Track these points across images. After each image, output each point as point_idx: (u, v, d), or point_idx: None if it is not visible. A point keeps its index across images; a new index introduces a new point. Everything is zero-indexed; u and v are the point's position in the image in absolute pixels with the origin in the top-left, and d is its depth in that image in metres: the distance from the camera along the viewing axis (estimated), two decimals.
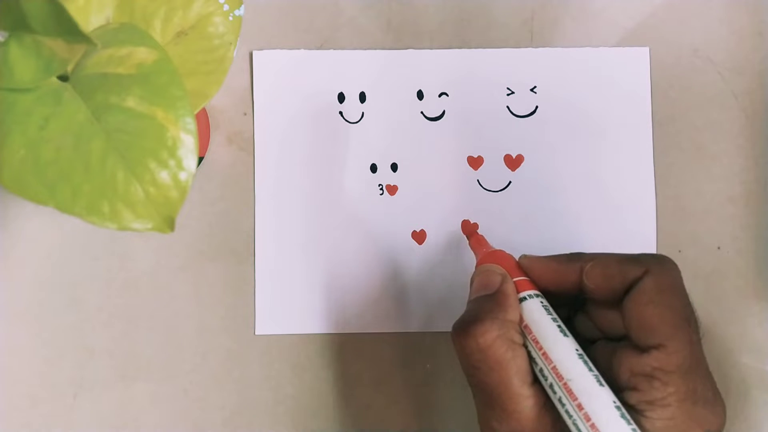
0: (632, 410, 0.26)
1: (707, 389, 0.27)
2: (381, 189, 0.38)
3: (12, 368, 0.37)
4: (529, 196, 0.38)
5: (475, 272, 0.31)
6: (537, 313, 0.29)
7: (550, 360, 0.27)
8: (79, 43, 0.22)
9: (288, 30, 0.38)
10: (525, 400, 0.27)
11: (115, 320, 0.37)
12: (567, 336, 0.28)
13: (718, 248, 0.38)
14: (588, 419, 0.26)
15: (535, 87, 0.38)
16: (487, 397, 0.28)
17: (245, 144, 0.38)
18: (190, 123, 0.23)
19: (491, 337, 0.28)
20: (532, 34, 0.38)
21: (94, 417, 0.37)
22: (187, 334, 0.37)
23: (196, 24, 0.28)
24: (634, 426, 0.26)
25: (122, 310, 0.37)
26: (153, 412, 0.37)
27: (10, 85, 0.23)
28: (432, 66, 0.38)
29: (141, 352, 0.37)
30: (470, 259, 0.35)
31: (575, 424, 0.26)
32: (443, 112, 0.38)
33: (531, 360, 0.28)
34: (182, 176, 0.23)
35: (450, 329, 0.29)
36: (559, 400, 0.27)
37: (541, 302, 0.29)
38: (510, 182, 0.38)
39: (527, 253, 0.31)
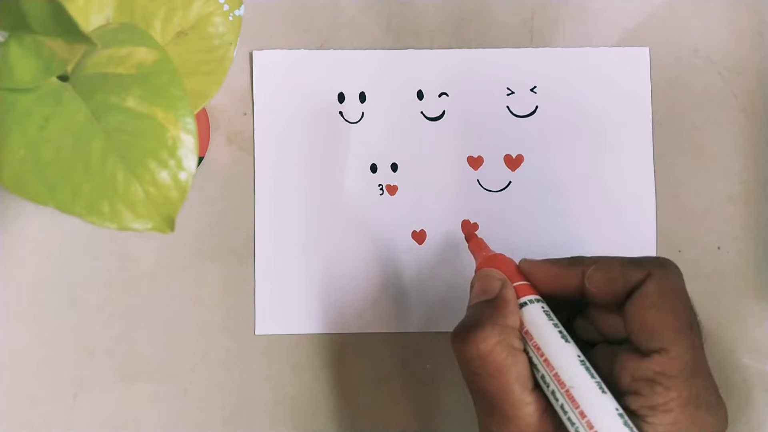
0: (634, 415, 0.26)
1: (710, 393, 0.26)
2: (381, 189, 0.38)
3: (12, 368, 0.37)
4: (529, 196, 0.38)
5: (474, 277, 0.31)
6: (538, 319, 0.28)
7: (552, 367, 0.27)
8: (79, 43, 0.22)
9: (288, 30, 0.38)
10: (526, 407, 0.27)
11: (115, 320, 0.37)
12: (568, 342, 0.28)
13: (718, 248, 0.38)
14: (591, 427, 0.25)
15: (535, 87, 0.38)
16: (488, 404, 0.27)
17: (245, 144, 0.38)
18: (190, 123, 0.23)
19: (491, 343, 0.27)
20: (532, 34, 0.38)
21: (94, 417, 0.37)
22: (187, 334, 0.37)
23: (196, 24, 0.28)
24: None
25: (122, 310, 0.37)
26: (153, 412, 0.37)
27: (10, 85, 0.23)
28: (432, 66, 0.38)
29: (141, 352, 0.37)
30: (470, 259, 0.35)
31: None
32: (443, 112, 0.38)
33: (532, 366, 0.28)
34: (182, 176, 0.23)
35: (450, 329, 0.29)
36: (562, 407, 0.26)
37: (542, 307, 0.29)
38: (510, 182, 0.38)
39: (528, 254, 0.31)
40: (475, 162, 0.38)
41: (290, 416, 0.37)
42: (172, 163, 0.23)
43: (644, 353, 0.27)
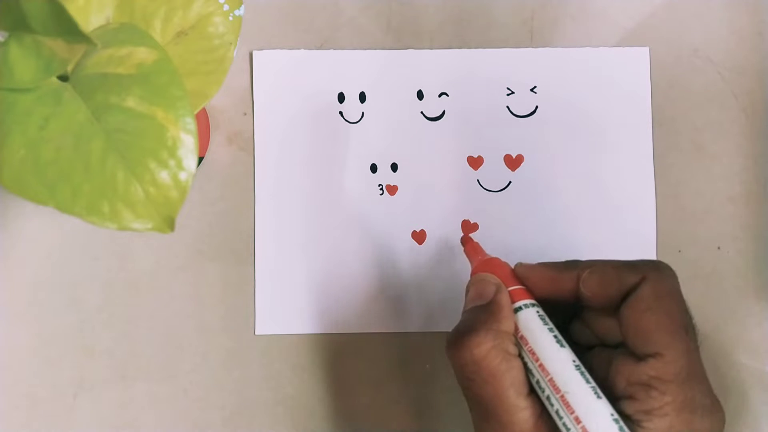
0: (629, 420, 0.26)
1: (705, 397, 0.26)
2: (381, 189, 0.38)
3: (12, 368, 0.37)
4: (529, 196, 0.38)
5: (470, 281, 0.31)
6: (533, 324, 0.28)
7: (547, 372, 0.27)
8: (79, 43, 0.22)
9: (288, 30, 0.38)
10: (521, 412, 0.27)
11: (115, 320, 0.37)
12: (564, 347, 0.28)
13: (718, 248, 0.38)
14: None
15: (535, 87, 0.38)
16: (483, 410, 0.27)
17: (245, 144, 0.38)
18: (190, 123, 0.23)
19: (485, 348, 0.27)
20: (532, 34, 0.38)
21: (94, 417, 0.37)
22: (187, 334, 0.37)
23: (196, 24, 0.28)
24: None
25: (122, 310, 0.37)
26: (153, 412, 0.37)
27: (10, 85, 0.23)
28: (432, 66, 0.38)
29: (141, 352, 0.37)
30: None
31: None
32: (443, 112, 0.38)
33: (527, 371, 0.28)
34: (182, 176, 0.23)
35: (450, 329, 0.29)
36: (557, 412, 0.26)
37: (537, 312, 0.29)
38: (510, 182, 0.38)
39: (527, 253, 0.31)
40: (475, 162, 0.38)
41: (290, 416, 0.37)
42: (172, 163, 0.23)
43: (639, 357, 0.27)
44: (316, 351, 0.37)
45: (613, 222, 0.38)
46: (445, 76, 0.38)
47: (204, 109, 0.37)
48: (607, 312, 0.29)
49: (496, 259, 0.31)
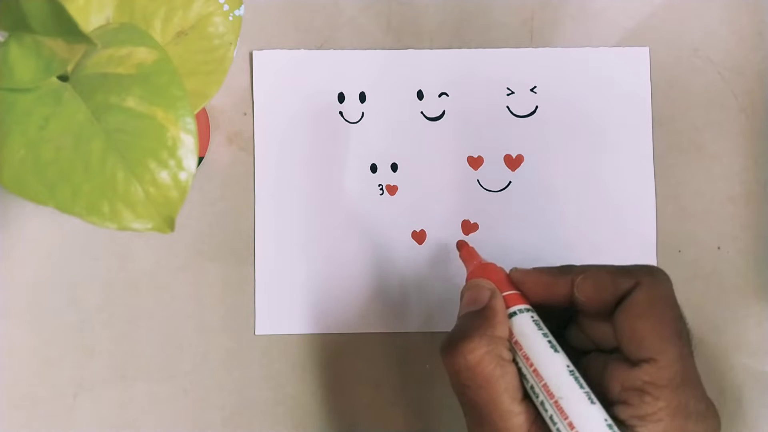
0: (623, 425, 0.26)
1: (699, 403, 0.26)
2: (381, 189, 0.38)
3: (12, 368, 0.37)
4: (529, 196, 0.38)
5: (464, 287, 0.31)
6: (527, 329, 0.28)
7: (541, 377, 0.27)
8: (79, 43, 0.22)
9: (288, 30, 0.38)
10: (515, 417, 0.27)
11: (115, 320, 0.37)
12: (558, 352, 0.28)
13: (718, 248, 0.38)
14: None
15: (535, 87, 0.38)
16: (477, 415, 0.27)
17: (245, 144, 0.38)
18: (190, 123, 0.23)
19: (479, 354, 0.27)
20: (532, 34, 0.38)
21: (94, 417, 0.37)
22: (187, 334, 0.37)
23: (196, 24, 0.28)
24: None
25: (122, 310, 0.37)
26: (153, 412, 0.37)
27: (10, 85, 0.23)
28: (432, 66, 0.38)
29: (141, 352, 0.37)
30: None
31: None
32: (443, 112, 0.38)
33: (522, 376, 0.28)
34: (182, 176, 0.23)
35: (450, 329, 0.29)
36: (551, 418, 0.26)
37: (532, 317, 0.29)
38: (510, 182, 0.38)
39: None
40: (475, 162, 0.38)
41: (290, 416, 0.37)
42: (172, 163, 0.23)
43: (633, 362, 0.26)
44: (316, 351, 0.37)
45: (613, 222, 0.38)
46: (445, 76, 0.38)
47: (204, 109, 0.37)
48: (601, 317, 0.29)
49: (492, 264, 0.31)
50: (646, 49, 0.38)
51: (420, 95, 0.38)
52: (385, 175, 0.38)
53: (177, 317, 0.37)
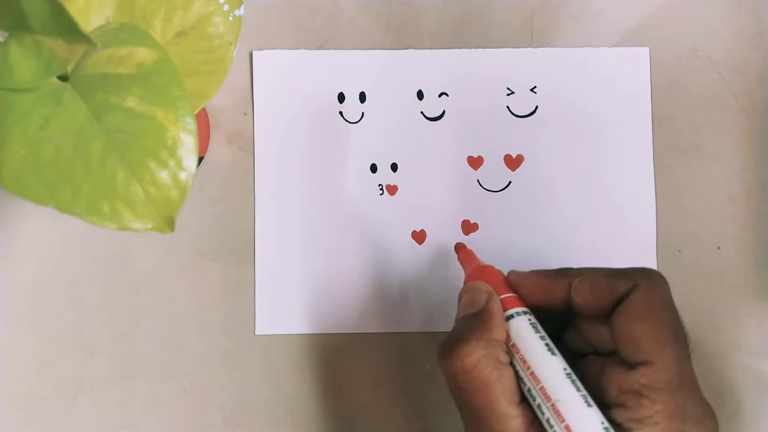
0: (620, 428, 0.26)
1: (696, 406, 0.26)
2: (381, 189, 0.38)
3: (12, 368, 0.37)
4: (529, 196, 0.38)
5: (462, 289, 0.31)
6: (524, 332, 0.28)
7: (538, 380, 0.27)
8: (79, 43, 0.22)
9: (288, 30, 0.38)
10: (512, 420, 0.27)
11: (115, 320, 0.37)
12: (555, 355, 0.28)
13: (718, 248, 0.38)
14: None
15: (535, 87, 0.38)
16: (474, 418, 0.27)
17: (245, 144, 0.38)
18: (190, 123, 0.23)
19: (476, 357, 0.27)
20: (532, 34, 0.38)
21: (94, 417, 0.37)
22: (187, 334, 0.37)
23: (196, 24, 0.28)
24: None
25: (122, 310, 0.37)
26: (153, 412, 0.37)
27: (10, 85, 0.23)
28: (432, 66, 0.38)
29: (141, 352, 0.37)
30: None
31: None
32: (443, 112, 0.38)
33: (519, 379, 0.28)
34: (182, 176, 0.23)
35: (450, 330, 0.29)
36: (548, 421, 0.26)
37: (529, 320, 0.29)
38: (510, 182, 0.38)
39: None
40: (475, 162, 0.38)
41: (290, 416, 0.37)
42: (172, 163, 0.23)
43: (631, 365, 0.26)
44: (316, 351, 0.37)
45: (613, 222, 0.38)
46: (445, 76, 0.38)
47: (204, 109, 0.37)
48: (599, 320, 0.28)
49: (489, 266, 0.31)
50: (646, 49, 0.38)
51: (420, 95, 0.38)
52: (385, 175, 0.38)
53: (177, 317, 0.37)
